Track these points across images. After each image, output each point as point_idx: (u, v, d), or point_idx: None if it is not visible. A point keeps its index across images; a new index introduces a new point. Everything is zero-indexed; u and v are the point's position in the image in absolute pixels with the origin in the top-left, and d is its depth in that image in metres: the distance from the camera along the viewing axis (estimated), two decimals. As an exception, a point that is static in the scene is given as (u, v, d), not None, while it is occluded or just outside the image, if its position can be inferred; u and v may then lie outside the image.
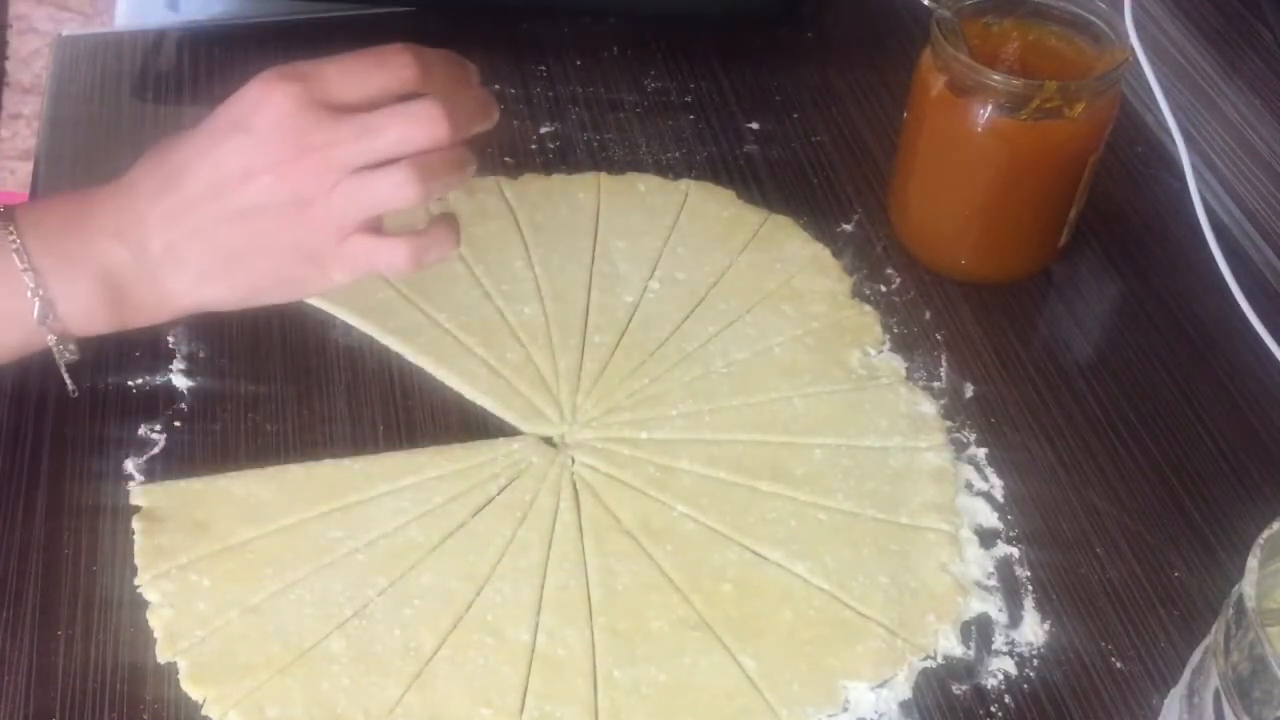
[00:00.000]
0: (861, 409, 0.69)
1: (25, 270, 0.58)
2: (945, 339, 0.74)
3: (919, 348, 0.73)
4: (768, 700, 0.58)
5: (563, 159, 0.83)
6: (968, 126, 0.71)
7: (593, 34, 0.92)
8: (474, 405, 0.69)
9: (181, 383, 0.69)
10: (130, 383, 0.69)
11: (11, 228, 0.58)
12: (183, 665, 0.58)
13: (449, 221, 0.61)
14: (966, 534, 0.65)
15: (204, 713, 0.57)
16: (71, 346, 0.61)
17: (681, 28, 0.93)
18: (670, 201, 0.80)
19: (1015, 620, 0.62)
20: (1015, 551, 0.64)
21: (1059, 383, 0.72)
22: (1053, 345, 0.74)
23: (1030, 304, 0.77)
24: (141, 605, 0.60)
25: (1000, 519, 0.65)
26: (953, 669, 0.60)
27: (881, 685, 0.59)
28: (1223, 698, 0.46)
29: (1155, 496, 0.67)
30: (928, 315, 0.75)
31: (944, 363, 0.73)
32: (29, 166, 0.95)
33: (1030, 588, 0.63)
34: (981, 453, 0.68)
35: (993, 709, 0.59)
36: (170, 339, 0.70)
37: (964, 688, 0.59)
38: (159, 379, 0.69)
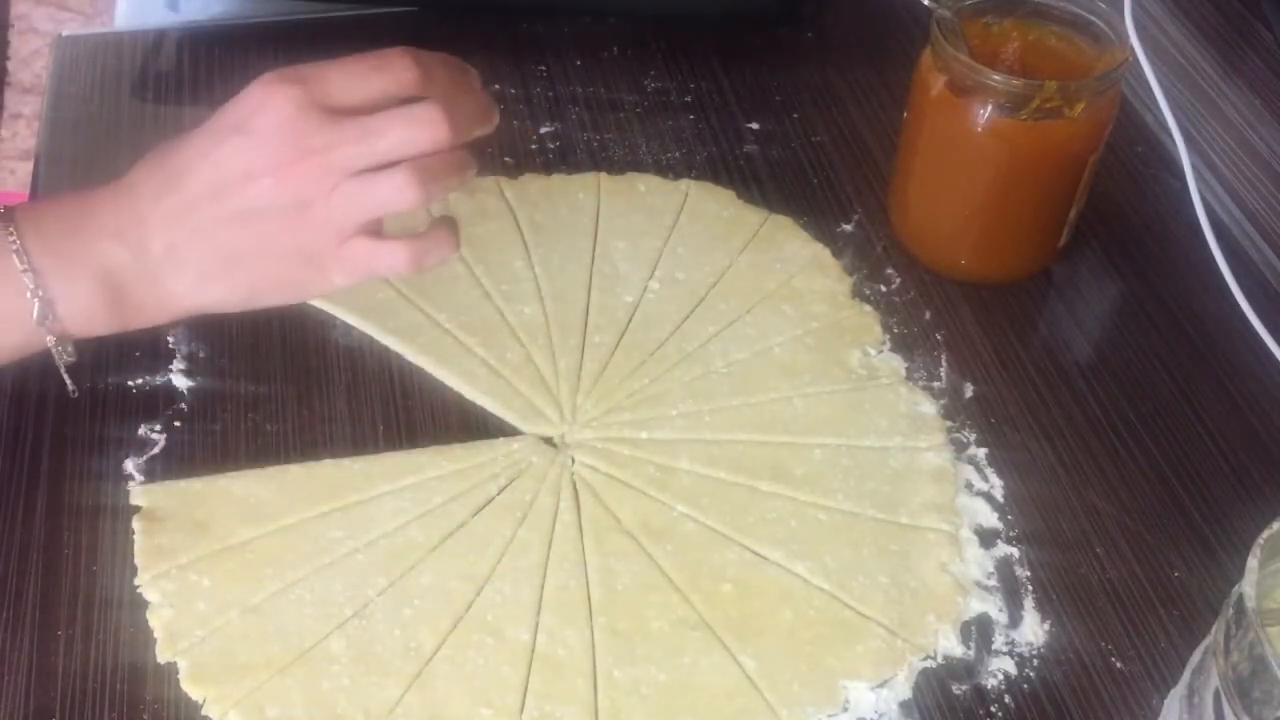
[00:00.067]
0: (861, 409, 0.69)
1: (25, 271, 0.58)
2: (945, 339, 0.74)
3: (919, 348, 0.73)
4: (768, 700, 0.58)
5: (563, 159, 0.83)
6: (968, 126, 0.71)
7: (593, 34, 0.92)
8: (474, 405, 0.69)
9: (181, 383, 0.69)
10: (130, 383, 0.69)
11: (12, 228, 0.58)
12: (183, 665, 0.58)
13: (449, 224, 0.62)
14: (966, 534, 0.65)
15: (204, 713, 0.57)
16: (69, 348, 0.61)
17: (681, 28, 0.93)
18: (670, 201, 0.80)
19: (1015, 620, 0.62)
20: (1015, 551, 0.64)
21: (1059, 383, 0.72)
22: (1053, 345, 0.74)
23: (1030, 304, 0.77)
24: (141, 605, 0.60)
25: (1000, 519, 0.65)
26: (953, 669, 0.60)
27: (881, 685, 0.59)
28: (1223, 698, 0.46)
29: (1155, 496, 0.67)
30: (928, 315, 0.75)
31: (944, 363, 0.73)
32: (29, 166, 0.95)
33: (1030, 588, 0.63)
34: (981, 453, 0.68)
35: (993, 709, 0.59)
36: (170, 339, 0.70)
37: (964, 688, 0.59)
38: (159, 379, 0.69)
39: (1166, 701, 0.55)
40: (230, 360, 0.70)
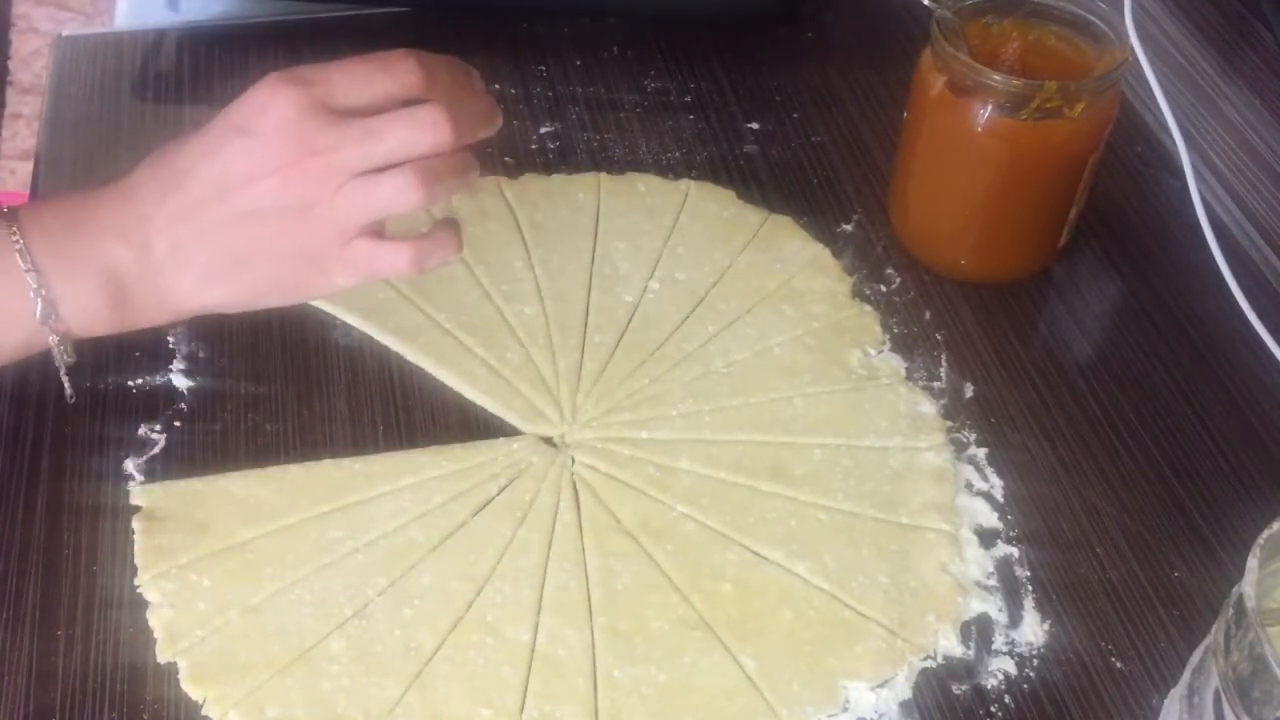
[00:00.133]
0: (861, 409, 0.69)
1: (28, 270, 0.58)
2: (945, 339, 0.74)
3: (919, 348, 0.73)
4: (768, 700, 0.58)
5: (563, 159, 0.83)
6: (968, 126, 0.71)
7: (593, 34, 0.92)
8: (474, 405, 0.69)
9: (181, 383, 0.69)
10: (130, 383, 0.69)
11: (15, 228, 0.58)
12: (183, 665, 0.58)
13: (451, 226, 0.62)
14: (966, 534, 0.65)
15: (204, 713, 0.57)
16: (70, 348, 0.61)
17: (681, 28, 0.93)
18: (670, 201, 0.80)
19: (1015, 620, 0.62)
20: (1015, 551, 0.64)
21: (1059, 383, 0.72)
22: (1053, 345, 0.74)
23: (1030, 304, 0.77)
24: (141, 605, 0.60)
25: (1000, 519, 0.66)
26: (953, 669, 0.60)
27: (881, 685, 0.59)
28: (1223, 698, 0.46)
29: (1155, 496, 0.67)
30: (928, 315, 0.75)
31: (944, 363, 0.73)
32: (29, 166, 0.95)
33: (1030, 588, 0.63)
34: (981, 453, 0.68)
35: (993, 709, 0.59)
36: (170, 339, 0.71)
37: (964, 688, 0.59)
38: (159, 379, 0.69)
39: (1166, 701, 0.55)
40: (230, 360, 0.70)
